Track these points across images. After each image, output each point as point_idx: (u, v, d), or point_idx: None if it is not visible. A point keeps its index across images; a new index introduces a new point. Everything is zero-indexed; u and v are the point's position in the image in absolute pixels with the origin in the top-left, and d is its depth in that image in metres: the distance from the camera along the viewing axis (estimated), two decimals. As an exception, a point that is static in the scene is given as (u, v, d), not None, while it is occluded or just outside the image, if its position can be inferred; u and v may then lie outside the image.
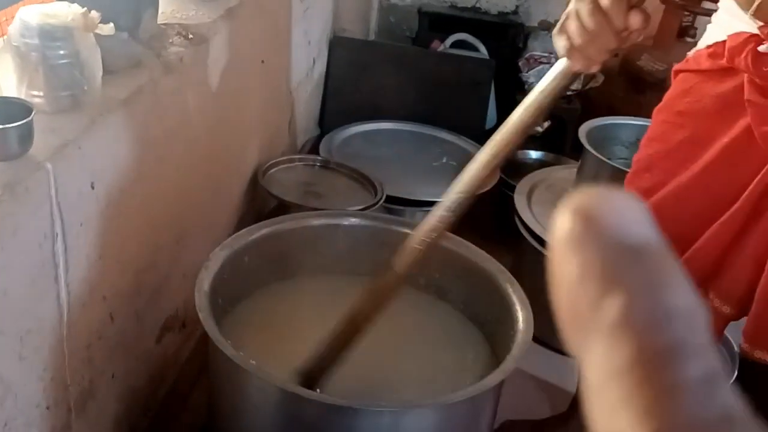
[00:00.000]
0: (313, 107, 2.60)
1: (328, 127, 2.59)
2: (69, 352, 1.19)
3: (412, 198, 2.22)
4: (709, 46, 1.35)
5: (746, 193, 1.28)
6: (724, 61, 1.30)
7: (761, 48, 1.23)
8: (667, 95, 1.42)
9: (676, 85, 1.40)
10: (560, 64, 1.10)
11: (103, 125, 1.18)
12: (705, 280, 1.37)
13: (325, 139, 2.45)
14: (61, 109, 1.15)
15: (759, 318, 1.30)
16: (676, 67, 1.43)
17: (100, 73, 1.19)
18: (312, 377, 1.26)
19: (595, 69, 1.10)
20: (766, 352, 1.32)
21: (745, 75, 1.26)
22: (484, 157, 1.20)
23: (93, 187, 1.17)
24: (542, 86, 1.12)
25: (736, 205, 1.29)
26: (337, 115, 2.63)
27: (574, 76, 1.10)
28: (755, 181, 1.27)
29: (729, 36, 1.30)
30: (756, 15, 1.24)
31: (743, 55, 1.25)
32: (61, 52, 1.13)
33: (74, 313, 1.18)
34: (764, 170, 1.26)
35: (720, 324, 1.40)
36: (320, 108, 2.67)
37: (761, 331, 1.31)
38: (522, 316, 1.30)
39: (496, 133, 1.19)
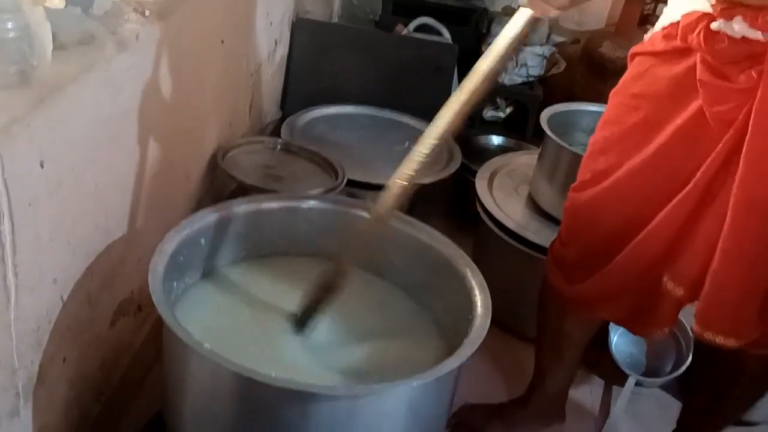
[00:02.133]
0: (274, 90, 2.57)
1: (290, 110, 2.56)
2: (17, 336, 1.16)
3: (374, 182, 2.20)
4: (664, 28, 1.36)
5: (698, 174, 1.29)
6: (678, 42, 1.31)
7: (713, 25, 1.23)
8: (623, 78, 1.42)
9: (632, 68, 1.41)
10: (522, 13, 1.20)
11: (53, 103, 1.14)
12: (659, 262, 1.38)
13: (287, 123, 2.42)
14: (8, 85, 1.11)
15: (710, 301, 1.31)
16: (633, 49, 1.44)
17: (50, 48, 1.15)
18: (303, 319, 1.35)
19: (554, 14, 1.18)
20: (717, 334, 1.34)
21: (698, 55, 1.27)
22: (455, 104, 1.25)
23: (42, 166, 1.14)
24: (506, 34, 1.22)
25: (688, 187, 1.30)
26: (299, 98, 2.60)
27: (535, 23, 1.21)
28: (707, 163, 1.28)
29: (683, 15, 1.30)
30: None
31: (695, 33, 1.26)
32: (9, 25, 1.09)
33: (22, 296, 1.15)
34: (715, 152, 1.26)
35: (674, 308, 1.41)
36: (282, 91, 2.64)
37: (712, 314, 1.33)
38: (480, 300, 1.30)
39: (464, 80, 1.25)
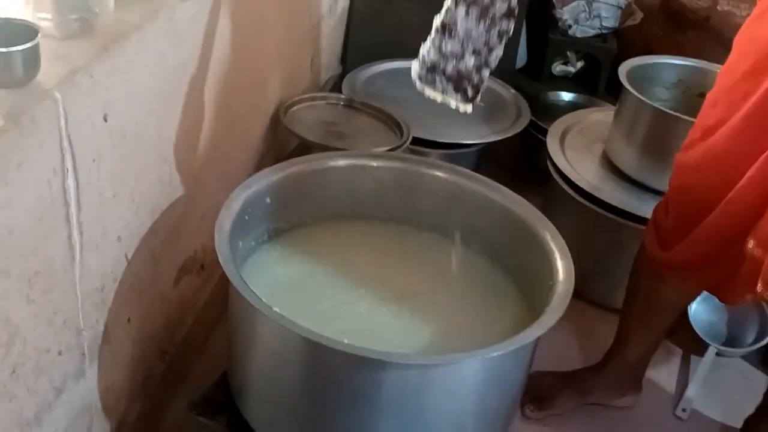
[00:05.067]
0: (335, 43, 2.49)
1: (351, 64, 2.48)
2: (81, 295, 1.13)
3: (439, 140, 2.13)
4: None
5: None
6: None
7: None
8: (748, 17, 1.30)
9: (758, 5, 1.28)
10: None
11: (116, 52, 1.09)
12: (746, 225, 1.27)
13: (348, 78, 2.35)
14: (70, 34, 1.06)
15: None
16: None
17: (113, -3, 1.10)
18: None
19: None
20: None
21: None
22: None
23: (106, 120, 1.09)
24: None
25: None
26: (360, 52, 2.52)
27: None
28: None
29: None
30: None
31: None
32: (70, -29, 1.03)
33: (87, 255, 1.11)
34: None
35: (758, 272, 1.30)
36: (343, 45, 2.55)
37: None
38: (562, 266, 1.22)
39: None
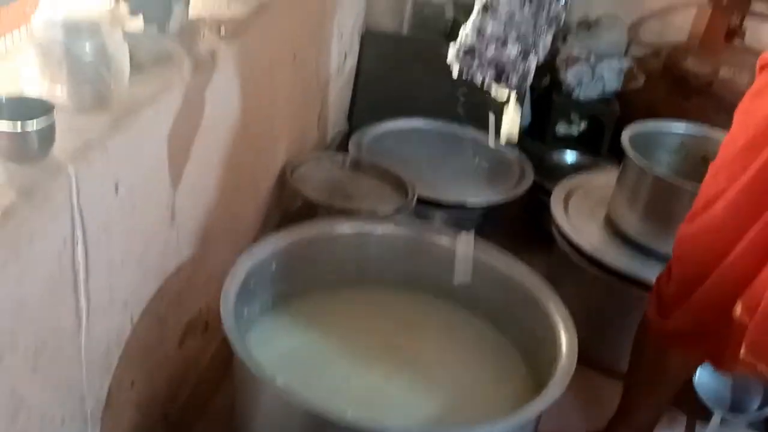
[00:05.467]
0: (343, 102, 2.53)
1: (358, 122, 2.52)
2: (86, 361, 1.14)
3: (443, 200, 2.15)
4: None
5: None
6: None
7: None
8: (748, 91, 1.33)
9: (756, 82, 1.31)
10: None
11: (129, 124, 1.12)
12: (736, 293, 1.29)
13: (355, 136, 2.38)
14: (85, 107, 1.09)
15: (759, 326, 1.22)
16: (762, 57, 1.33)
17: (128, 70, 1.13)
18: None
19: None
20: (760, 362, 1.24)
21: None
22: None
23: (117, 190, 1.11)
24: None
25: (767, 214, 1.21)
26: (367, 110, 2.56)
27: None
28: None
29: None
30: None
31: None
32: (87, 47, 1.06)
33: (93, 321, 1.13)
34: None
35: (742, 338, 1.31)
36: (350, 103, 2.60)
37: (761, 342, 1.23)
38: (566, 339, 1.22)
39: None
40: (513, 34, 1.13)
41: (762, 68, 1.30)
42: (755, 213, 1.25)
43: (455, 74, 1.17)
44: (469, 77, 1.17)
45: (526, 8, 1.12)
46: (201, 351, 1.65)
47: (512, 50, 1.14)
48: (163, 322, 1.41)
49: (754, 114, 1.26)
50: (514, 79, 1.16)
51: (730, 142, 1.33)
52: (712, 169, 1.36)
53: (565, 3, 1.14)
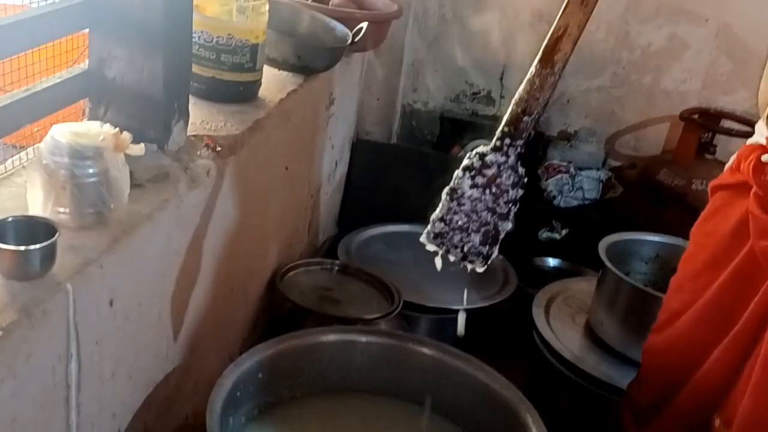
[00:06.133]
0: (333, 207, 2.62)
1: (347, 226, 2.60)
2: (74, 474, 1.16)
3: (429, 305, 2.20)
4: (734, 160, 1.36)
5: (746, 313, 1.26)
6: (739, 174, 1.31)
7: (764, 157, 1.24)
8: (702, 214, 1.42)
9: (710, 204, 1.41)
10: None
11: (126, 242, 1.18)
12: (713, 404, 1.33)
13: (344, 240, 2.46)
14: (85, 226, 1.15)
15: None
16: (711, 183, 1.43)
17: (127, 191, 1.20)
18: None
19: None
20: None
21: (753, 189, 1.26)
22: None
23: (111, 305, 1.17)
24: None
25: (737, 326, 1.28)
26: (356, 215, 2.65)
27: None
28: (755, 301, 1.25)
29: (744, 146, 1.32)
30: None
31: (747, 162, 1.26)
32: (90, 171, 1.14)
33: (82, 433, 1.16)
34: (762, 290, 1.24)
35: None
36: (340, 208, 2.69)
37: None
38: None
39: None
40: (475, 225, 1.27)
41: (713, 192, 1.40)
42: (721, 328, 1.32)
43: (425, 241, 1.32)
44: (433, 244, 1.32)
45: (488, 195, 1.25)
46: (186, 458, 1.66)
47: (475, 239, 1.28)
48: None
49: (713, 234, 1.34)
50: (478, 263, 1.30)
51: (689, 259, 1.41)
52: (674, 283, 1.43)
53: (522, 188, 1.27)
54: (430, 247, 1.32)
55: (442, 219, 1.28)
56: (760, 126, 1.32)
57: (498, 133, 1.27)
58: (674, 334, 1.40)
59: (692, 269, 1.40)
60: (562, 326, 2.09)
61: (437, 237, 1.29)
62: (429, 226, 1.30)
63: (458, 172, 1.27)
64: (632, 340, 1.93)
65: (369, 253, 2.43)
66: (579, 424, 1.91)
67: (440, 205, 1.29)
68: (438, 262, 1.34)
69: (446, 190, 1.28)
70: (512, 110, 1.26)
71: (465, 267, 1.33)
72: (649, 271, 2.14)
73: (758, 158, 1.28)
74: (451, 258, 1.32)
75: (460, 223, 1.28)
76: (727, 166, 1.43)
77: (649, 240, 2.14)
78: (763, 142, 1.29)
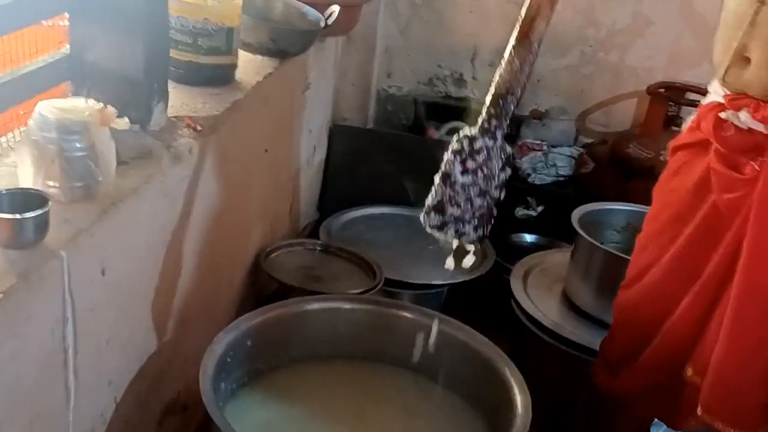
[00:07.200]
0: (313, 192, 2.67)
1: (327, 211, 2.65)
2: (74, 437, 1.21)
3: (410, 281, 2.26)
4: (693, 120, 1.43)
5: (712, 264, 1.33)
6: (699, 132, 1.38)
7: (722, 114, 1.31)
8: (663, 173, 1.48)
9: (670, 163, 1.47)
10: None
11: (114, 214, 1.23)
12: (681, 354, 1.40)
13: (325, 224, 2.51)
14: (75, 199, 1.20)
15: (712, 385, 1.33)
16: (671, 143, 1.50)
17: (114, 164, 1.25)
18: None
19: None
20: (721, 423, 1.34)
21: (713, 145, 1.33)
22: None
23: (104, 274, 1.21)
24: None
25: (704, 276, 1.34)
26: (336, 200, 2.70)
27: None
28: (719, 251, 1.32)
29: (701, 105, 1.39)
30: (724, 81, 1.32)
31: (707, 120, 1.33)
32: (77, 145, 1.18)
33: (81, 398, 1.20)
34: (726, 241, 1.31)
35: (696, 397, 1.41)
36: (320, 193, 2.73)
37: (714, 400, 1.34)
38: (520, 400, 1.32)
39: None
40: (469, 214, 1.31)
41: (673, 152, 1.47)
42: (688, 280, 1.38)
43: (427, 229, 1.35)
44: (435, 232, 1.35)
45: (480, 179, 1.29)
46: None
47: (469, 227, 1.32)
48: (143, 403, 1.48)
49: (676, 191, 1.41)
50: (471, 236, 1.34)
51: (653, 217, 1.47)
52: (639, 241, 1.50)
53: (510, 166, 1.32)
54: (429, 230, 1.34)
55: (437, 208, 1.31)
56: (715, 85, 1.39)
57: (484, 114, 1.31)
58: (643, 288, 1.47)
59: (657, 226, 1.47)
60: (539, 295, 2.15)
61: (434, 228, 1.33)
62: (425, 216, 1.33)
63: (449, 156, 1.29)
64: (607, 305, 1.98)
65: (350, 234, 2.48)
66: (559, 386, 1.98)
67: (434, 191, 1.32)
68: (450, 262, 1.38)
69: (439, 175, 1.30)
70: (495, 92, 1.29)
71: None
72: (621, 240, 2.21)
73: (717, 116, 1.34)
74: (449, 239, 1.35)
75: (456, 214, 1.31)
76: (684, 126, 1.49)
77: (620, 209, 2.22)
78: (720, 100, 1.36)
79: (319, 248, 2.23)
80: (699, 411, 1.35)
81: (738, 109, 1.29)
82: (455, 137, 1.31)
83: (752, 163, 1.27)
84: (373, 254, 2.20)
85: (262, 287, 2.14)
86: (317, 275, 2.10)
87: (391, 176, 2.70)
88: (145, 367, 1.44)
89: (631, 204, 2.21)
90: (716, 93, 1.38)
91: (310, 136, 2.46)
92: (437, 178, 1.31)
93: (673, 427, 1.62)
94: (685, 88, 2.60)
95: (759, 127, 1.26)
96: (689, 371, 1.41)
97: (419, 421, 1.46)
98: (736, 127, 1.29)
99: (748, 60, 1.29)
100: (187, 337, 1.63)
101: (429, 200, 1.32)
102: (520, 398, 1.32)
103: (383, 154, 2.71)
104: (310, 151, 2.52)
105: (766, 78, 1.27)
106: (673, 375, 1.43)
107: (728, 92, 1.32)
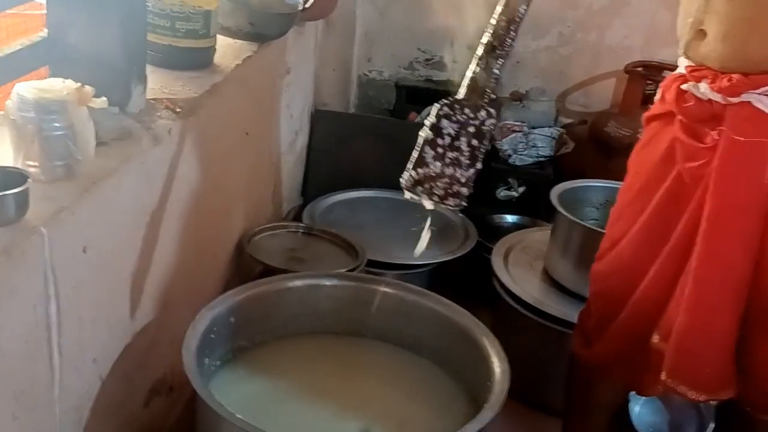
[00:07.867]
0: (296, 177, 2.68)
1: (311, 196, 2.67)
2: (60, 413, 1.23)
3: (392, 262, 2.29)
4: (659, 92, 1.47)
5: (676, 232, 1.36)
6: (665, 103, 1.41)
7: (684, 86, 1.34)
8: (636, 145, 1.52)
9: (643, 135, 1.51)
10: None
11: (95, 193, 1.24)
12: (651, 321, 1.43)
13: (308, 208, 2.53)
14: (55, 178, 1.21)
15: (675, 350, 1.36)
16: (645, 114, 1.53)
17: (93, 144, 1.26)
18: None
19: None
20: (685, 387, 1.38)
21: (677, 116, 1.37)
22: None
23: (85, 251, 1.23)
24: None
25: (669, 244, 1.38)
26: (319, 184, 2.72)
27: None
28: (683, 219, 1.35)
29: (666, 77, 1.42)
30: (686, 53, 1.36)
31: (670, 92, 1.37)
32: (56, 124, 1.20)
33: (65, 375, 1.22)
34: (689, 208, 1.34)
35: (662, 363, 1.44)
36: (303, 178, 2.75)
37: (678, 364, 1.37)
38: (498, 367, 1.35)
39: None
40: (450, 169, 1.36)
41: (647, 123, 1.50)
42: (655, 249, 1.42)
43: (407, 196, 1.40)
44: (415, 196, 1.40)
45: (472, 139, 1.35)
46: (166, 412, 1.73)
47: (460, 179, 1.37)
48: (129, 382, 1.50)
49: (646, 162, 1.44)
50: (455, 203, 1.39)
51: (626, 189, 1.51)
52: (613, 213, 1.53)
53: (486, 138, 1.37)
54: (409, 194, 1.38)
55: (417, 162, 1.34)
56: (681, 59, 1.43)
57: (467, 80, 1.35)
58: (615, 258, 1.50)
59: (629, 197, 1.50)
60: (520, 272, 2.19)
61: (417, 184, 1.36)
62: (405, 174, 1.37)
63: (432, 120, 1.36)
64: (586, 280, 2.00)
65: (333, 217, 2.50)
66: (539, 359, 2.01)
67: (415, 151, 1.36)
68: (427, 203, 1.40)
69: (421, 139, 1.35)
70: (484, 50, 1.37)
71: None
72: (600, 216, 2.24)
73: (678, 87, 1.38)
74: (428, 205, 1.39)
75: (448, 172, 1.35)
76: (657, 98, 1.53)
77: (599, 186, 2.25)
78: (684, 72, 1.39)
79: (302, 231, 2.25)
80: (663, 376, 1.39)
81: (698, 80, 1.32)
82: (442, 101, 1.36)
83: (712, 132, 1.31)
84: (357, 237, 2.22)
85: (246, 270, 2.16)
86: (300, 257, 2.12)
87: (373, 160, 2.73)
88: (129, 346, 1.46)
89: (610, 181, 2.24)
90: (682, 66, 1.42)
91: (291, 121, 2.48)
92: (420, 139, 1.32)
93: (641, 394, 1.66)
94: (662, 67, 2.63)
95: (716, 97, 1.30)
96: (656, 338, 1.44)
97: (401, 392, 1.48)
98: (696, 98, 1.33)
99: (704, 33, 1.33)
100: (173, 318, 1.65)
101: (413, 160, 1.37)
102: (497, 365, 1.35)
103: (365, 138, 2.73)
104: (292, 135, 2.54)
105: (721, 50, 1.31)
106: (643, 342, 1.46)
107: (691, 65, 1.36)
